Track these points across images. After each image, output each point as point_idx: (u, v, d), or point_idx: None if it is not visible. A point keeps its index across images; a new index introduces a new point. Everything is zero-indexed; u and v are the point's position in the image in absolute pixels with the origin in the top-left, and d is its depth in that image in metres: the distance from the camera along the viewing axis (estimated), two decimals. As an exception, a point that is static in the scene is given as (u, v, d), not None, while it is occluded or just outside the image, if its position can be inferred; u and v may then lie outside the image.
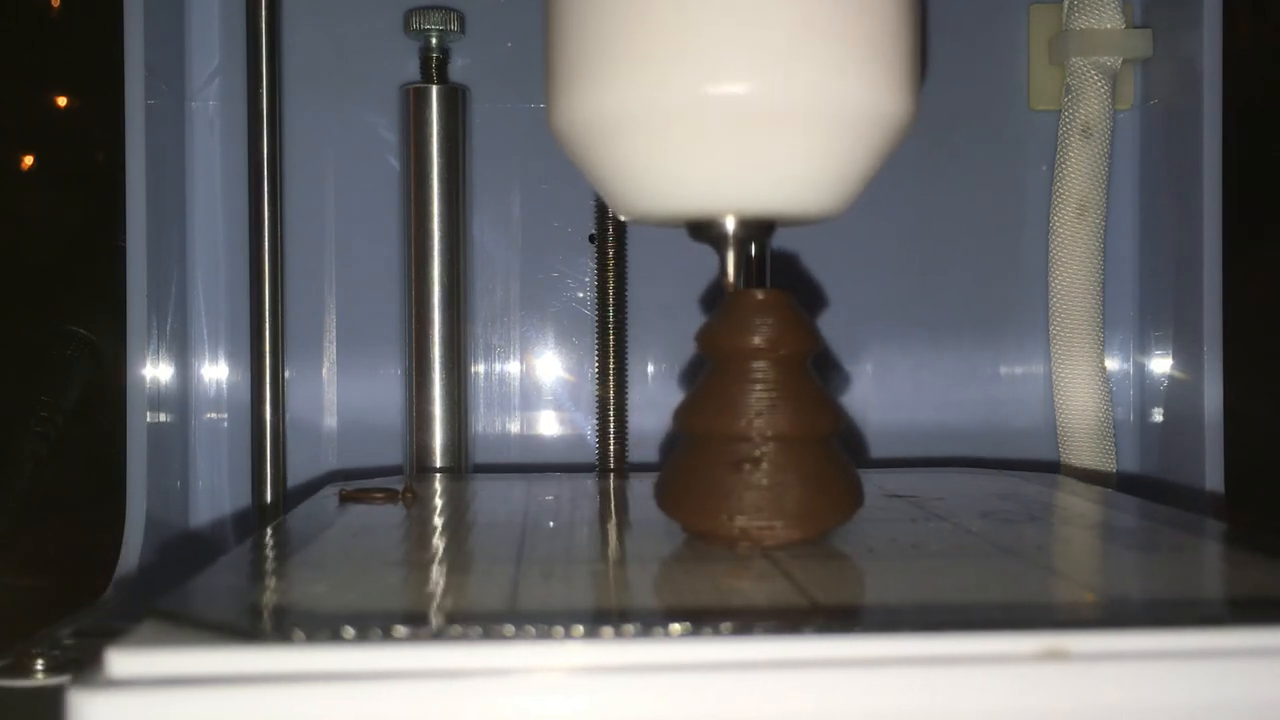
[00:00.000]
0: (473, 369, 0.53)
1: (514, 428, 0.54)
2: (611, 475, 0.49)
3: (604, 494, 0.42)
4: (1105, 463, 0.52)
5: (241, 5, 0.51)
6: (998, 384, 0.54)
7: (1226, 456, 0.49)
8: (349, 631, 0.22)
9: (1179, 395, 0.51)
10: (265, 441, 0.50)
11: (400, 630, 0.22)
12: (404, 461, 0.51)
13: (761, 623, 0.23)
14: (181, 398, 0.51)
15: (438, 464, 0.50)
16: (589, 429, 0.53)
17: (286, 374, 0.51)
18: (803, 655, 0.22)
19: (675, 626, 0.23)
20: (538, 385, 0.54)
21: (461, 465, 0.51)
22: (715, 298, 0.37)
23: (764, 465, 0.31)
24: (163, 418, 0.49)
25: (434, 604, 0.26)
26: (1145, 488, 0.54)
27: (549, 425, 0.54)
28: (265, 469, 0.50)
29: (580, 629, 0.22)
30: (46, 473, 0.54)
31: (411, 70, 0.51)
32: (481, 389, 0.53)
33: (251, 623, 0.23)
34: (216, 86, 0.52)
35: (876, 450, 0.54)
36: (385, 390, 0.53)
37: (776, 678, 0.22)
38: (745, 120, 0.31)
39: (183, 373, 0.51)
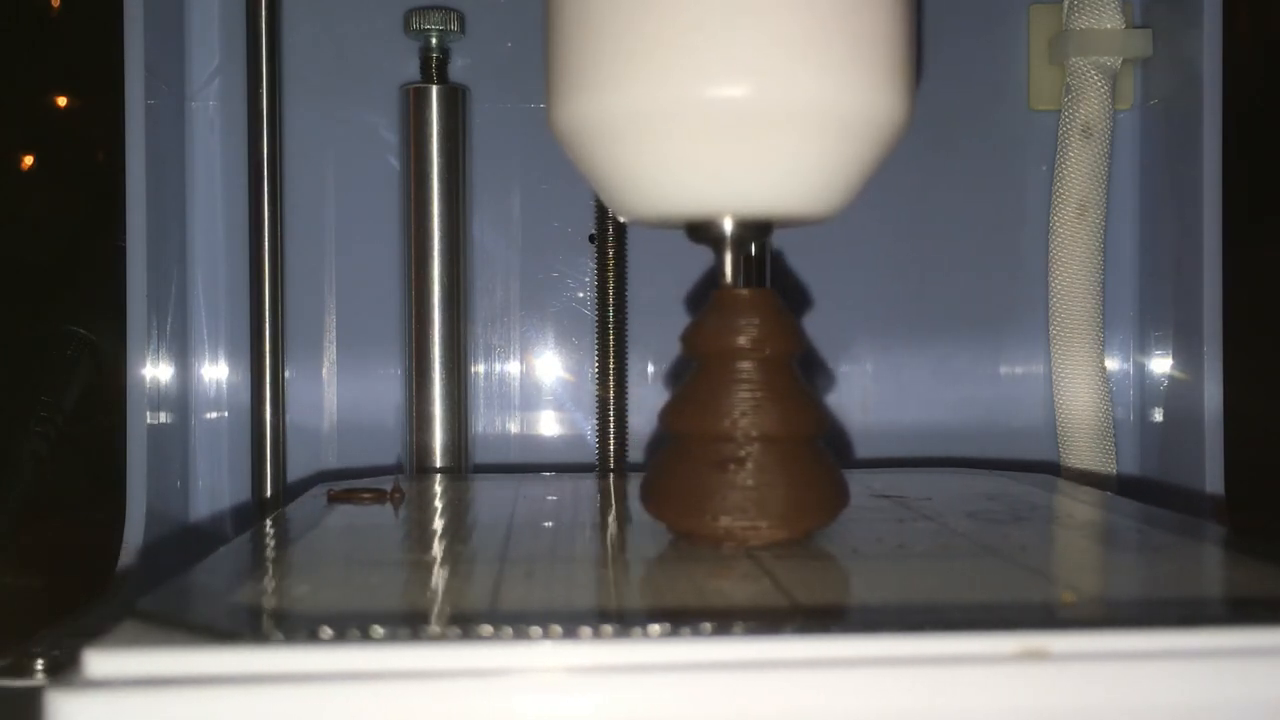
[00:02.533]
0: (473, 369, 0.53)
1: (514, 428, 0.54)
2: (611, 475, 0.49)
3: (594, 494, 0.42)
4: (1105, 463, 0.52)
5: (241, 5, 0.51)
6: (997, 384, 0.54)
7: (1226, 456, 0.49)
8: (326, 632, 0.22)
9: (1179, 395, 0.51)
10: (265, 441, 0.50)
11: (378, 631, 0.22)
12: (404, 461, 0.51)
13: (741, 623, 0.23)
14: (181, 398, 0.51)
15: (438, 464, 0.50)
16: (589, 429, 0.53)
17: (286, 374, 0.51)
18: (781, 656, 0.22)
19: (654, 627, 0.23)
20: (538, 385, 0.54)
21: (461, 465, 0.51)
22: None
23: (749, 465, 0.31)
24: (163, 418, 0.49)
25: (413, 604, 0.26)
26: (1145, 488, 0.54)
27: (549, 425, 0.54)
28: (265, 469, 0.50)
29: (558, 629, 0.22)
30: (46, 473, 0.54)
31: (411, 70, 0.51)
32: (481, 389, 0.53)
33: (230, 623, 0.23)
34: (216, 86, 0.52)
35: (876, 450, 0.54)
36: (385, 390, 0.53)
37: (755, 678, 0.22)
38: (743, 122, 0.31)
39: (183, 373, 0.51)
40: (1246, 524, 0.49)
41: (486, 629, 0.23)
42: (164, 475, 0.49)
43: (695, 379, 0.33)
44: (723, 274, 0.34)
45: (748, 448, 0.31)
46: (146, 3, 0.46)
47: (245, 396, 0.51)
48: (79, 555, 0.53)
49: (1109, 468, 0.52)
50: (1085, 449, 0.52)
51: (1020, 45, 0.54)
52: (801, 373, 0.33)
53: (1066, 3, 0.52)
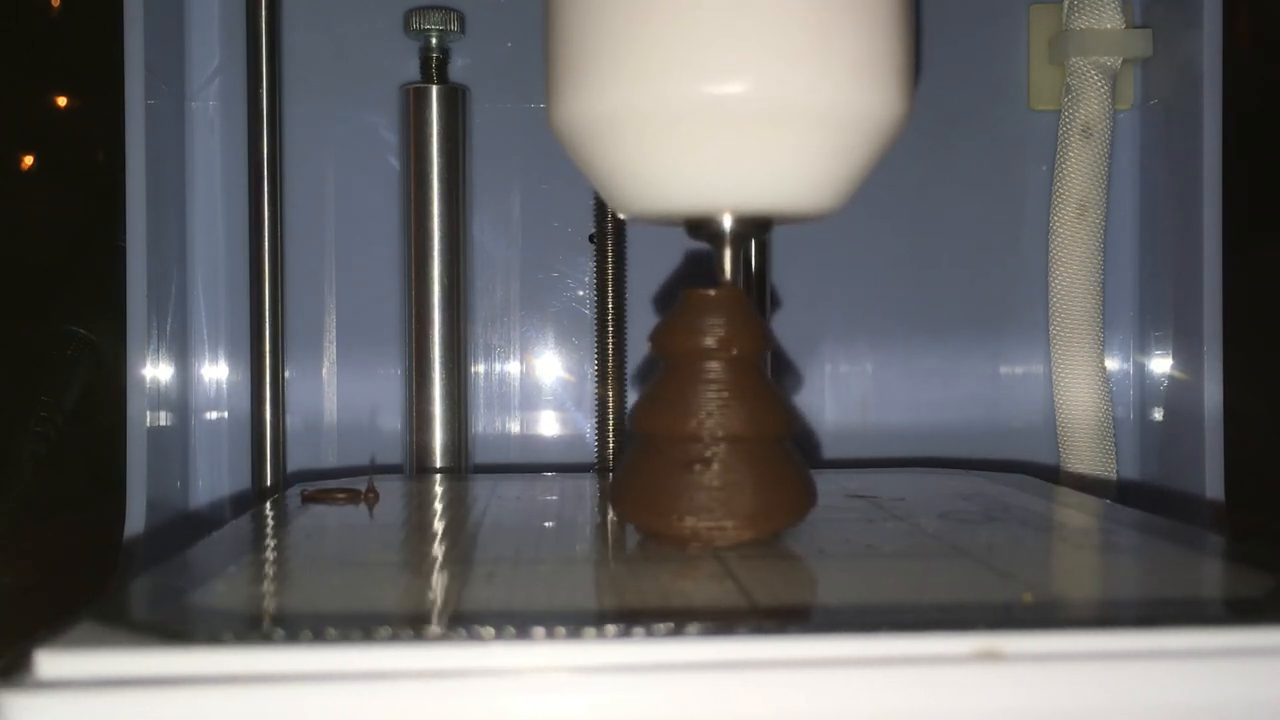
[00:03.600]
0: (473, 369, 0.53)
1: (514, 428, 0.54)
2: (599, 475, 0.49)
3: (570, 495, 0.42)
4: (1105, 463, 0.52)
5: (241, 5, 0.51)
6: (997, 384, 0.54)
7: (1226, 456, 0.49)
8: (278, 633, 0.22)
9: (1179, 395, 0.51)
10: (265, 441, 0.50)
11: (330, 631, 0.22)
12: (404, 461, 0.51)
13: (696, 624, 0.23)
14: (181, 398, 0.51)
15: (438, 464, 0.50)
16: (588, 429, 0.53)
17: (286, 374, 0.51)
18: (735, 657, 0.22)
19: (609, 628, 0.22)
20: (537, 385, 0.54)
21: (461, 465, 0.51)
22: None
23: (715, 465, 0.31)
24: (163, 418, 0.49)
25: (372, 605, 0.26)
26: (1144, 488, 0.54)
27: (549, 425, 0.54)
28: (265, 469, 0.50)
29: (511, 630, 0.22)
30: (46, 473, 0.54)
31: (411, 70, 0.51)
32: (481, 389, 0.53)
33: (183, 624, 0.23)
34: (216, 86, 0.52)
35: (875, 450, 0.54)
36: (385, 390, 0.53)
37: (708, 679, 0.22)
38: (742, 119, 0.31)
39: (183, 373, 0.51)
40: (1246, 524, 0.49)
41: (435, 630, 0.22)
42: (164, 475, 0.49)
43: (663, 379, 0.33)
44: (722, 270, 0.34)
45: (714, 448, 0.31)
46: (146, 3, 0.46)
47: (245, 396, 0.51)
48: (79, 555, 0.53)
49: (1109, 468, 0.52)
50: (1085, 449, 0.52)
51: (1020, 45, 0.54)
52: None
53: (1066, 3, 0.52)
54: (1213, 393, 0.49)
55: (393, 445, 0.52)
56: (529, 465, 0.53)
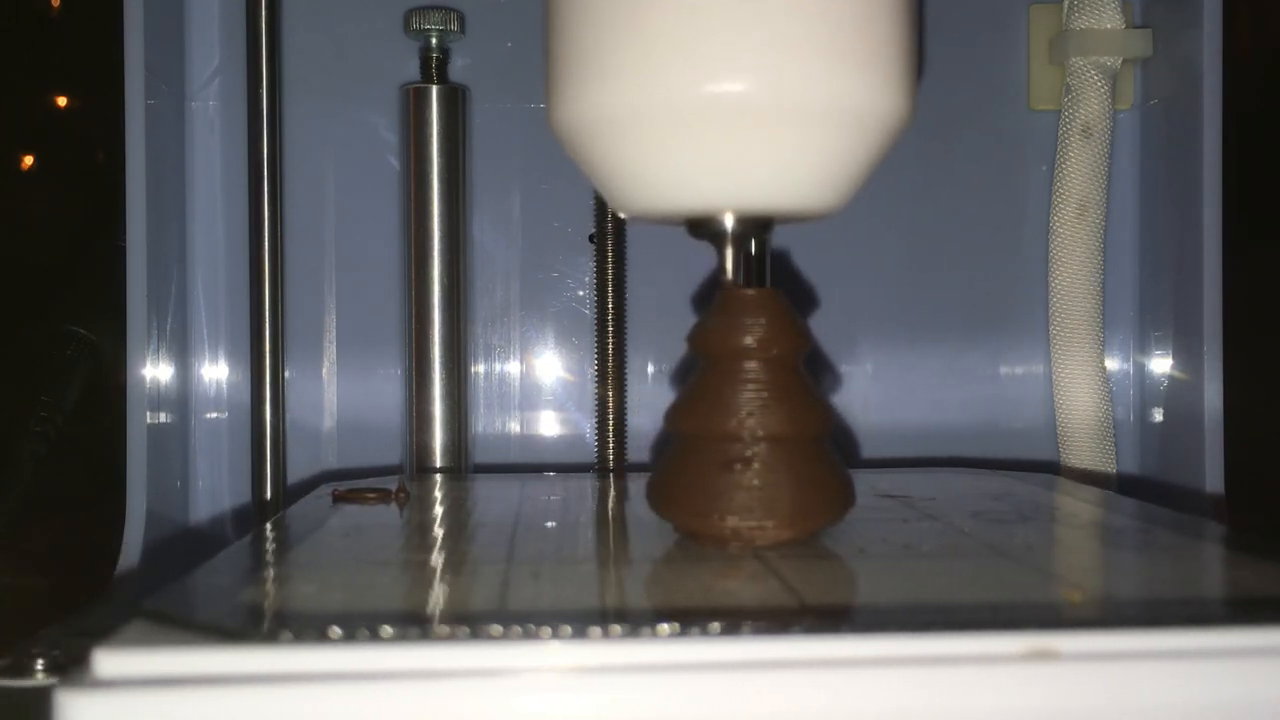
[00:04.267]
0: (473, 369, 0.53)
1: (514, 428, 0.54)
2: (611, 475, 0.49)
3: (598, 494, 0.42)
4: (1105, 463, 0.52)
5: (241, 5, 0.51)
6: (997, 384, 0.54)
7: (1226, 456, 0.48)
8: (336, 632, 0.22)
9: (1179, 395, 0.51)
10: (265, 441, 0.50)
11: (387, 630, 0.22)
12: (404, 461, 0.51)
13: (749, 623, 0.23)
14: (181, 398, 0.51)
15: (438, 464, 0.50)
16: (588, 429, 0.53)
17: (286, 374, 0.51)
18: (790, 656, 0.22)
19: (663, 627, 0.23)
20: (537, 385, 0.54)
21: (461, 465, 0.51)
22: (714, 296, 0.37)
23: (755, 465, 0.31)
24: (163, 418, 0.49)
25: (422, 604, 0.26)
26: (1145, 488, 0.54)
27: (549, 425, 0.54)
28: (265, 469, 0.50)
29: (567, 629, 0.22)
30: (46, 473, 0.54)
31: (411, 70, 0.51)
32: (481, 389, 0.53)
33: (239, 623, 0.23)
34: (216, 86, 0.52)
35: (876, 450, 0.54)
36: (385, 390, 0.53)
37: (763, 678, 0.22)
38: (743, 118, 0.31)
39: (183, 373, 0.51)
40: (1246, 524, 0.49)
41: (496, 629, 0.23)
42: (164, 475, 0.49)
43: (701, 378, 0.33)
44: (723, 270, 0.34)
45: (754, 448, 0.31)
46: (146, 3, 0.46)
47: (245, 396, 0.51)
48: (79, 555, 0.53)
49: (1109, 468, 0.52)
50: (1085, 449, 0.52)
51: (1020, 45, 0.54)
52: (810, 372, 0.33)
53: (1066, 3, 0.52)
54: (1213, 393, 0.49)
55: (393, 445, 0.52)
56: (529, 465, 0.53)
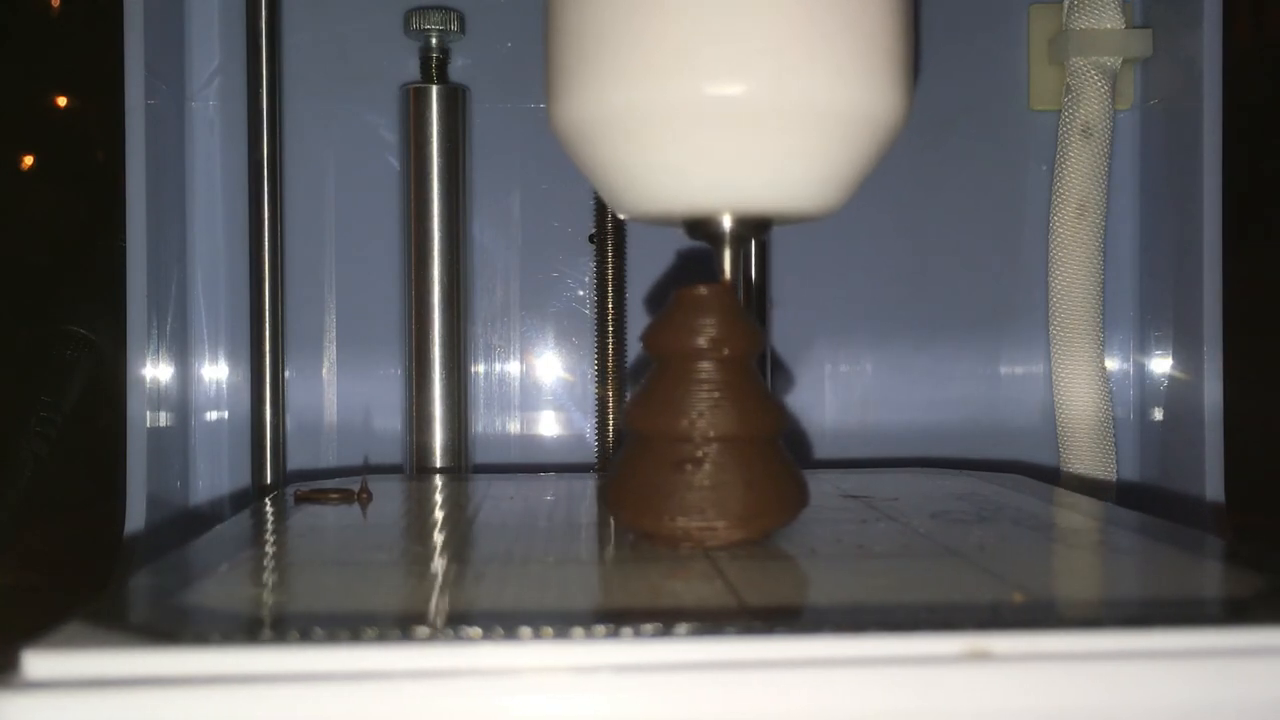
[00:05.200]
0: (473, 369, 0.53)
1: (514, 428, 0.54)
2: (597, 474, 0.49)
3: (563, 494, 0.42)
4: (1105, 462, 0.52)
5: (241, 5, 0.51)
6: (997, 384, 0.54)
7: (1226, 456, 0.48)
8: (265, 633, 0.22)
9: (1179, 395, 0.51)
10: (265, 441, 0.50)
11: (317, 632, 0.22)
12: (404, 462, 0.51)
13: (684, 624, 0.23)
14: (181, 398, 0.51)
15: (438, 464, 0.50)
16: (589, 429, 0.53)
17: (286, 374, 0.51)
18: (722, 657, 0.22)
19: (597, 627, 0.22)
20: (538, 385, 0.54)
21: (461, 465, 0.51)
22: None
23: (706, 466, 0.31)
24: (163, 418, 0.49)
25: (361, 605, 0.26)
26: (1144, 488, 0.54)
27: (549, 425, 0.54)
28: (265, 469, 0.50)
29: (499, 630, 0.22)
30: (46, 473, 0.54)
31: (411, 70, 0.51)
32: (481, 389, 0.53)
33: (172, 624, 0.23)
34: (216, 86, 0.52)
35: (875, 450, 0.54)
36: (385, 390, 0.53)
37: (696, 679, 0.22)
38: (742, 119, 0.31)
39: (183, 373, 0.51)
40: (1246, 524, 0.49)
41: (423, 630, 0.22)
42: (164, 475, 0.49)
43: (654, 379, 0.33)
44: (721, 270, 0.34)
45: (705, 448, 0.31)
46: (146, 3, 0.46)
47: (245, 396, 0.51)
48: (79, 555, 0.53)
49: (1109, 468, 0.52)
50: (1085, 449, 0.52)
51: (1020, 45, 0.54)
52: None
53: (1066, 3, 0.52)
54: (1213, 393, 0.49)
55: (393, 445, 0.52)
56: (529, 465, 0.53)
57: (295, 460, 0.52)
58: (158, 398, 0.48)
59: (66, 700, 0.21)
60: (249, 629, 0.23)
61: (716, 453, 0.31)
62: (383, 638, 0.22)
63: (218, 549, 0.32)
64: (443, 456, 0.50)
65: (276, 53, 0.51)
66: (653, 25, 0.31)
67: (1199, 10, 0.48)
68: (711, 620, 0.23)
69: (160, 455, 0.48)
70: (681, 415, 0.31)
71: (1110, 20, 0.51)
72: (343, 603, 0.26)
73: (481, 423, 0.53)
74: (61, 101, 0.58)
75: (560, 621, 0.23)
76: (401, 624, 0.23)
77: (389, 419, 0.53)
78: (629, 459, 0.33)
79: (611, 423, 0.51)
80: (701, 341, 0.32)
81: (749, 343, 0.32)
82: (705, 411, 0.31)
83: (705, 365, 0.32)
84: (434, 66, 0.51)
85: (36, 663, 0.22)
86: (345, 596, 0.27)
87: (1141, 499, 0.53)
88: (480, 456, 0.53)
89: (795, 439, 0.53)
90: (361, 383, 0.53)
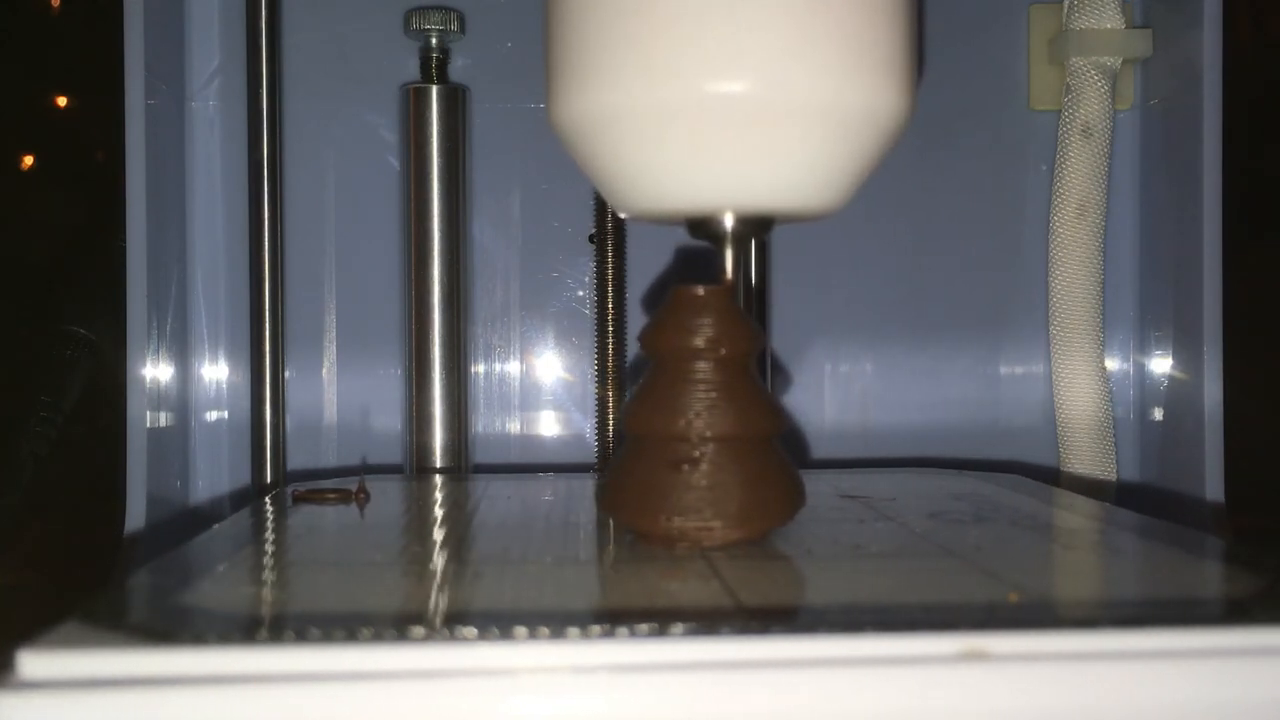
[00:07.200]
0: (473, 369, 0.53)
1: (514, 428, 0.54)
2: (597, 474, 0.49)
3: (561, 494, 0.42)
4: (1105, 462, 0.52)
5: (241, 5, 0.51)
6: (997, 384, 0.54)
7: (1226, 456, 0.48)
8: (261, 633, 0.22)
9: (1179, 395, 0.51)
10: (265, 441, 0.50)
11: (313, 632, 0.22)
12: (404, 462, 0.51)
13: (679, 624, 0.23)
14: (181, 398, 0.51)
15: (438, 464, 0.50)
16: (589, 429, 0.53)
17: (286, 374, 0.51)
18: (718, 657, 0.22)
19: (593, 628, 0.22)
20: (538, 385, 0.54)
21: (461, 465, 0.51)
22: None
23: (703, 466, 0.31)
24: (163, 418, 0.49)
25: (356, 605, 0.26)
26: (1144, 488, 0.54)
27: (549, 425, 0.54)
28: (265, 469, 0.50)
29: (495, 630, 0.22)
30: (46, 473, 0.54)
31: (411, 70, 0.51)
32: (481, 389, 0.53)
33: (168, 624, 0.23)
34: (216, 86, 0.52)
35: (875, 450, 0.54)
36: (385, 390, 0.53)
37: (692, 679, 0.22)
38: (744, 118, 0.31)
39: (183, 373, 0.51)
40: (1246, 525, 0.49)
41: (418, 631, 0.22)
42: (164, 475, 0.49)
43: (652, 378, 0.33)
44: (723, 269, 0.34)
45: (702, 448, 0.31)
46: (146, 3, 0.46)
47: (245, 396, 0.51)
48: (79, 555, 0.53)
49: (1109, 468, 0.52)
50: (1085, 449, 0.52)
51: (1020, 45, 0.54)
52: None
53: (1066, 3, 0.52)
54: (1213, 393, 0.49)
55: (393, 445, 0.52)
56: (529, 465, 0.53)
57: (295, 460, 0.52)
58: (158, 398, 0.48)
59: (62, 700, 0.21)
60: (245, 629, 0.23)
61: (713, 453, 0.31)
62: (379, 638, 0.22)
63: (215, 549, 0.32)
64: (442, 456, 0.50)
65: (276, 53, 0.51)
66: (654, 23, 0.31)
67: (1199, 10, 0.48)
68: (708, 620, 0.23)
69: (160, 455, 0.48)
70: (678, 415, 0.31)
71: (1110, 20, 0.51)
72: (340, 603, 0.26)
73: (481, 423, 0.53)
74: (61, 101, 0.58)
75: (556, 622, 0.23)
76: (397, 624, 0.23)
77: (389, 419, 0.53)
78: (626, 459, 0.33)
79: (611, 423, 0.51)
80: (698, 341, 0.32)
81: (746, 342, 0.32)
82: (702, 412, 0.31)
83: (702, 365, 0.32)
84: (434, 66, 0.51)
85: (32, 663, 0.22)
86: (342, 597, 0.27)
87: (1141, 499, 0.53)
88: (480, 456, 0.53)
89: (794, 439, 0.53)
90: (361, 382, 0.53)
